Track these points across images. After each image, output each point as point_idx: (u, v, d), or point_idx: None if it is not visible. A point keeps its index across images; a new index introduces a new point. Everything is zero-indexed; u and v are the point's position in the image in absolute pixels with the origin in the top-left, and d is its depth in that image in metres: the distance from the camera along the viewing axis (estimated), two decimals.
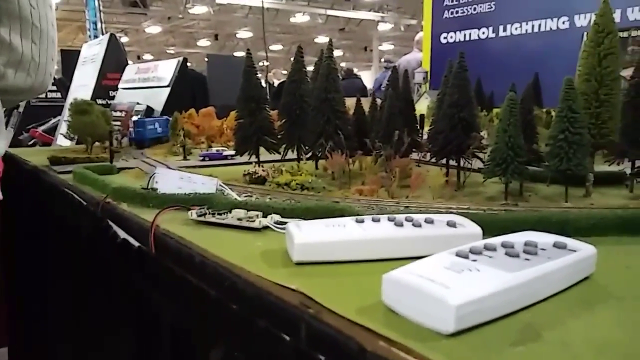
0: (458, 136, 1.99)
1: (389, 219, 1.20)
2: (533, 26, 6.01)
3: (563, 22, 5.71)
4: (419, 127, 2.61)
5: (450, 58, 2.27)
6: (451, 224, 1.18)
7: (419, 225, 1.16)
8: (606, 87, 1.77)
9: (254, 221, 1.34)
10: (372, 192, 1.88)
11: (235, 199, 1.63)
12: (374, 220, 1.20)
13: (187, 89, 5.67)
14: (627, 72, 2.14)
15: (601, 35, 1.79)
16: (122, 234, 1.59)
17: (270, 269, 1.02)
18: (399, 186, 1.96)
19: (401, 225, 1.16)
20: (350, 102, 2.62)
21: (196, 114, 3.45)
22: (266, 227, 1.33)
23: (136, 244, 1.50)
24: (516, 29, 6.15)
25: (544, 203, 1.71)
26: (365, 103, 2.79)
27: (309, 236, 1.06)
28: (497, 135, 1.77)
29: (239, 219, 1.38)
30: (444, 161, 2.20)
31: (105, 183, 1.89)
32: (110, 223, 1.66)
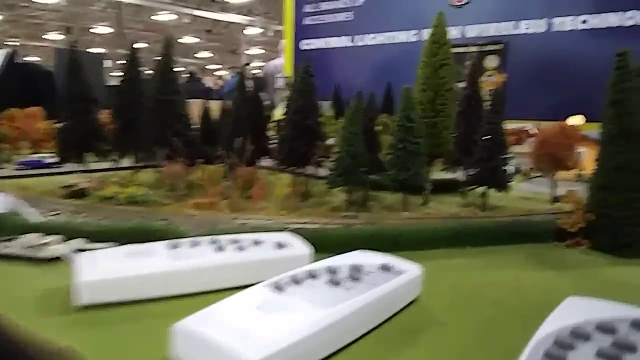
0: (304, 144, 1.91)
1: (212, 242, 1.05)
2: (387, 37, 6.32)
3: (413, 35, 6.09)
4: (270, 134, 2.49)
5: (299, 64, 2.19)
6: (280, 245, 1.06)
7: (244, 249, 1.02)
8: (442, 97, 1.82)
9: (44, 250, 1.09)
10: (211, 206, 1.70)
11: (32, 220, 1.34)
12: (192, 244, 1.03)
13: (17, 86, 4.92)
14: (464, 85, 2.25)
15: (436, 46, 1.84)
16: None
17: (41, 317, 0.80)
18: (242, 197, 1.81)
19: (223, 249, 1.01)
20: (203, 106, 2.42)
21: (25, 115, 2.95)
22: (58, 258, 1.09)
23: None
24: (372, 39, 6.42)
25: (384, 213, 1.69)
26: (218, 108, 2.60)
27: (98, 272, 0.86)
28: (339, 145, 1.72)
29: (29, 247, 1.11)
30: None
31: None
32: None
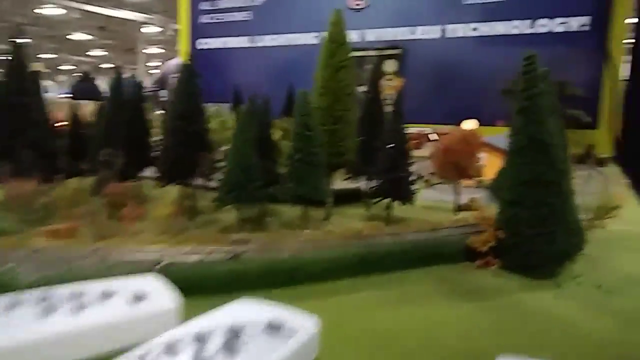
0: (188, 153, 1.65)
1: (41, 299, 0.77)
2: (287, 39, 6.16)
3: (314, 37, 5.98)
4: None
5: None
6: (138, 297, 0.81)
7: (84, 308, 0.76)
8: (341, 103, 1.66)
9: None
10: (70, 233, 1.38)
11: None
12: (11, 305, 0.75)
13: None
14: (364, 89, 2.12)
15: (334, 45, 1.67)
16: None
17: None
18: (113, 219, 1.51)
19: (53, 310, 0.74)
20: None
21: None
22: None
23: None
24: (272, 39, 6.22)
25: (281, 233, 1.49)
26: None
27: None
28: (229, 156, 1.49)
29: None
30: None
31: None
32: None
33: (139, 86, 2.21)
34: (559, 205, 1.14)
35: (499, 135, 2.67)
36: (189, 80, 1.66)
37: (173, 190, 1.88)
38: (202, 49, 6.72)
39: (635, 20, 4.35)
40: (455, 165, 1.74)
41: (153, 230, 1.51)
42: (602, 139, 4.33)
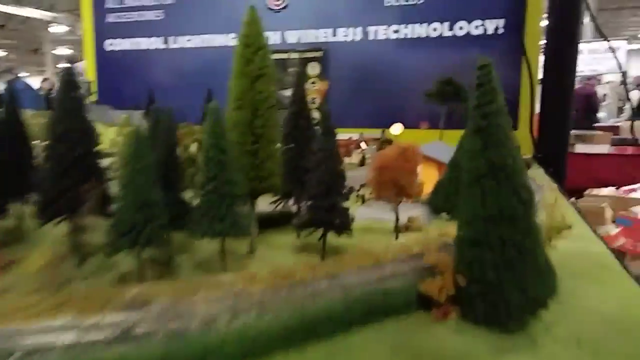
0: (71, 185, 1.32)
1: None
2: (203, 40, 5.79)
3: (232, 38, 5.65)
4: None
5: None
6: None
7: None
8: (262, 118, 1.41)
9: None
10: None
11: None
12: None
13: None
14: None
15: (250, 50, 1.41)
16: None
17: None
18: None
19: None
20: None
21: None
22: None
23: None
24: (188, 41, 5.82)
25: (195, 281, 1.21)
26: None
27: None
28: (119, 190, 1.18)
29: None
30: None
31: None
32: None
33: (11, 90, 1.80)
34: (528, 244, 0.97)
35: (434, 144, 2.54)
36: (68, 92, 1.33)
37: (57, 229, 1.52)
38: (111, 51, 6.16)
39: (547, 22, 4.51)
40: (394, 184, 1.55)
41: (22, 287, 1.18)
42: (523, 140, 4.41)
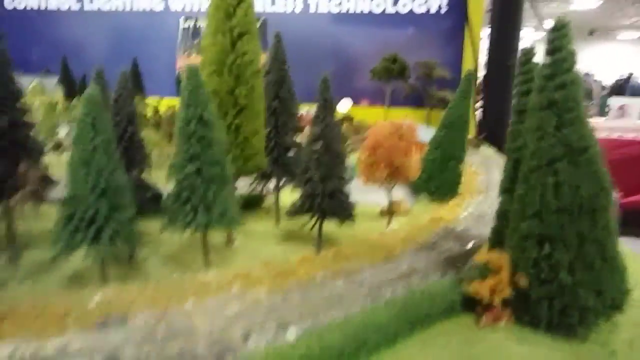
0: (1, 163, 1.01)
1: None
2: (125, 3, 5.23)
3: (158, 3, 5.16)
4: None
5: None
6: None
7: None
8: (246, 86, 1.16)
9: None
10: None
11: None
12: None
13: None
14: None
15: (231, 1, 1.14)
16: None
17: None
18: None
19: None
20: None
21: None
22: None
23: None
24: (105, 3, 5.24)
25: (169, 283, 0.97)
26: None
27: None
28: (71, 171, 0.90)
29: None
30: None
31: None
32: None
33: None
34: (610, 241, 0.84)
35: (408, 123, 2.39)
36: None
37: None
38: (14, 9, 5.42)
39: None
40: (388, 164, 1.38)
41: None
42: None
